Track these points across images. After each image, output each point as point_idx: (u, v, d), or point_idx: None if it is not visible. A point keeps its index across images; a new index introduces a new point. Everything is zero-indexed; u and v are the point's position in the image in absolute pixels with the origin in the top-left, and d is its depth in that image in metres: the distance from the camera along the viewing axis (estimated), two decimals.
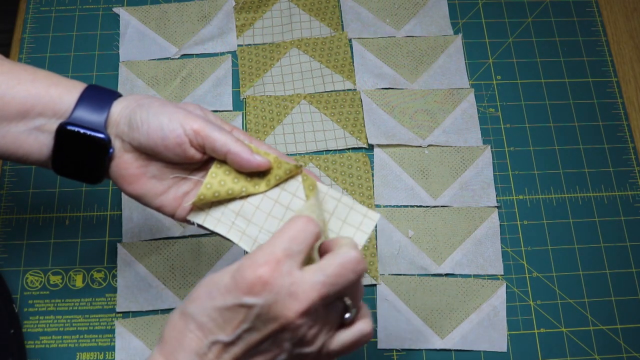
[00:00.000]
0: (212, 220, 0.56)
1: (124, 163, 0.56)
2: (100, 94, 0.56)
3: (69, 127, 0.54)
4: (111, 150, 0.55)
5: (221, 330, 0.46)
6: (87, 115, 0.55)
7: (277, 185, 0.56)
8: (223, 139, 0.53)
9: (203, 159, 0.55)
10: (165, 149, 0.53)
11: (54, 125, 0.55)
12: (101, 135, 0.54)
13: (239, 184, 0.55)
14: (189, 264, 0.77)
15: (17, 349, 0.70)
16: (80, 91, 0.56)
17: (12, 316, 0.72)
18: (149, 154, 0.55)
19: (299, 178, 0.55)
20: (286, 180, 0.56)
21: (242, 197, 0.56)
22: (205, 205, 0.56)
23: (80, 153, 0.55)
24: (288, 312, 0.45)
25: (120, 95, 0.57)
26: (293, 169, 0.55)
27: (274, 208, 0.55)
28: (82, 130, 0.54)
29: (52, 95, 0.55)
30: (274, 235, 0.48)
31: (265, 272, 0.45)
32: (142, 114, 0.54)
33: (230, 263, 0.75)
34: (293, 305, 0.45)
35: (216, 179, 0.55)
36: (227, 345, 0.46)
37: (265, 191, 0.55)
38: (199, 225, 0.56)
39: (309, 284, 0.45)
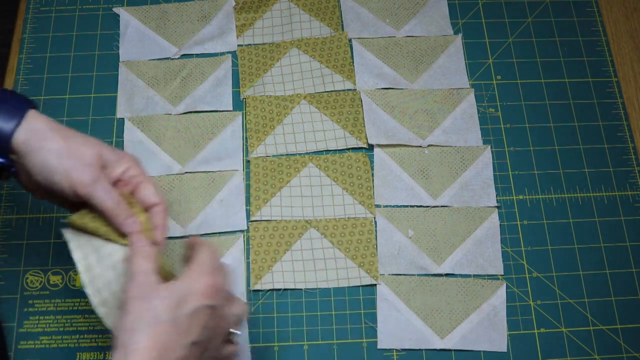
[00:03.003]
0: (75, 242, 0.59)
1: (23, 179, 0.62)
2: (8, 110, 0.59)
3: None
4: (13, 170, 0.60)
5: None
6: None
7: None
8: (101, 204, 0.58)
9: None
10: (55, 192, 0.59)
11: None
12: (1, 160, 0.59)
13: (103, 229, 0.59)
14: None
15: None
16: None
17: None
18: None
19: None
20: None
21: (106, 239, 0.60)
22: (80, 227, 0.60)
23: None
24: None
25: (29, 107, 0.60)
26: (151, 239, 0.59)
27: (120, 266, 0.59)
28: None
29: None
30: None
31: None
32: (38, 160, 0.58)
33: (231, 263, 0.76)
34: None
35: (90, 215, 0.59)
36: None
37: (126, 245, 0.59)
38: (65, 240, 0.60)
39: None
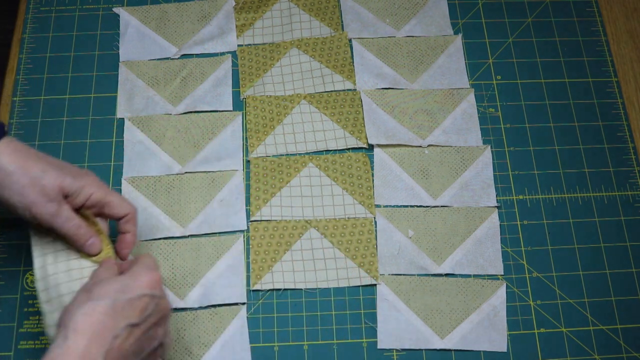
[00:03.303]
0: (37, 239, 0.65)
1: None
2: None
3: None
4: None
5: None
6: None
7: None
8: (63, 231, 0.63)
9: None
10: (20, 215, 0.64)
11: None
12: None
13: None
14: (189, 264, 0.77)
15: None
16: None
17: None
18: None
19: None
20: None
21: (68, 245, 0.65)
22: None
23: None
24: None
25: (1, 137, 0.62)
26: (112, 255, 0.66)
27: (74, 272, 0.64)
28: None
29: None
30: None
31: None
32: (1, 195, 0.62)
33: (231, 263, 0.75)
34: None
35: None
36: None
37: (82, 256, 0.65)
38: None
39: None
